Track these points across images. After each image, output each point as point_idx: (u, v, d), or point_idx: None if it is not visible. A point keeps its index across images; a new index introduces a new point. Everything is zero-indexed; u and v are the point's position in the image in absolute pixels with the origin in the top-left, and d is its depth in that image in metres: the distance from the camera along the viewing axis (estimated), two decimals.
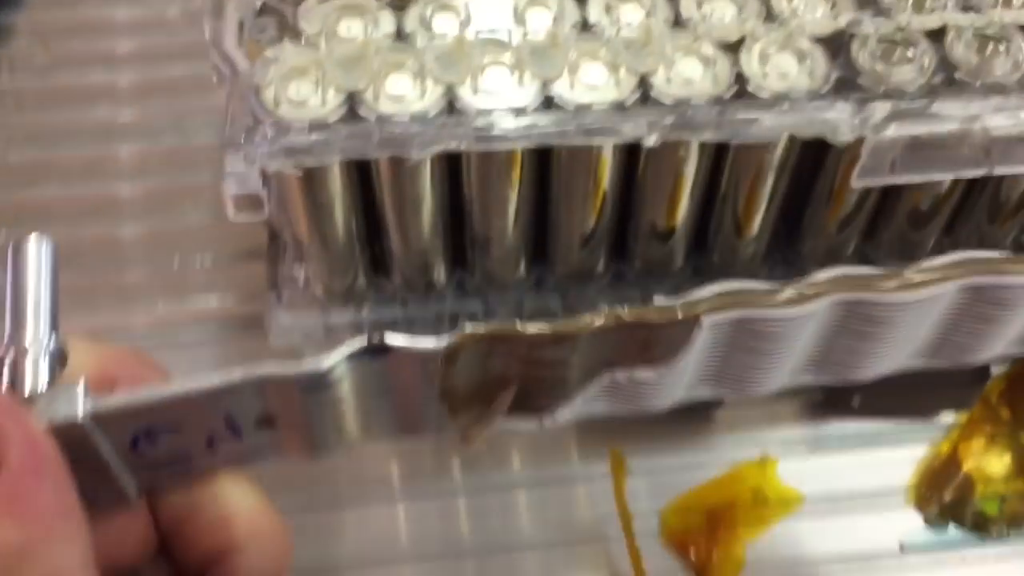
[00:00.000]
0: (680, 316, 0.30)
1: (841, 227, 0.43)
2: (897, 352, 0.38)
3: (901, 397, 0.48)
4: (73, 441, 0.23)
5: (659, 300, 0.31)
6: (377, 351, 0.26)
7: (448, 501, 0.46)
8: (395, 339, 0.26)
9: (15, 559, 0.20)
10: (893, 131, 0.35)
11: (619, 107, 0.36)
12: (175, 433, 0.25)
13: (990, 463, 0.48)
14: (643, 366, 0.31)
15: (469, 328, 0.27)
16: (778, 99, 0.36)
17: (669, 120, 0.35)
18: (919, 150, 0.36)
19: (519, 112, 0.35)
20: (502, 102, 0.36)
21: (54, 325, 0.26)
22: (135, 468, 0.25)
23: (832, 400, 0.49)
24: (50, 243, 0.26)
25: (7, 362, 0.25)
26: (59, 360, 0.25)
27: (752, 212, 0.42)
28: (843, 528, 0.46)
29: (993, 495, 0.47)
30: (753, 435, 0.48)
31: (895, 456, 0.48)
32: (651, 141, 0.35)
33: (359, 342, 0.26)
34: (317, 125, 0.35)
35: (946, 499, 0.47)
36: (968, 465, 0.48)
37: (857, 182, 0.37)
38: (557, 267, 0.46)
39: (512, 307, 0.46)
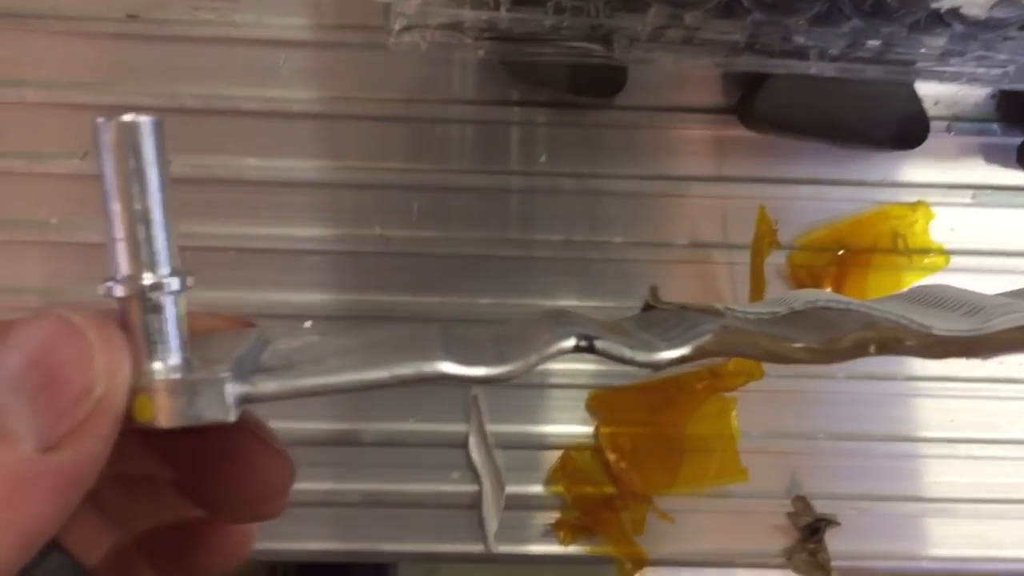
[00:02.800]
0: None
1: None
2: None
3: None
4: None
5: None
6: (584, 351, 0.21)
7: None
8: (608, 344, 0.21)
9: None
10: None
11: None
12: None
13: None
14: None
15: (702, 339, 0.21)
16: None
17: None
18: None
19: None
20: None
21: (171, 249, 0.19)
22: None
23: None
24: (155, 122, 0.18)
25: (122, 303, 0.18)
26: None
27: None
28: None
29: None
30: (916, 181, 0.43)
31: None
32: None
33: (567, 344, 0.20)
34: None
35: None
36: None
37: None
38: None
39: (684, 31, 0.36)
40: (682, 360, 0.21)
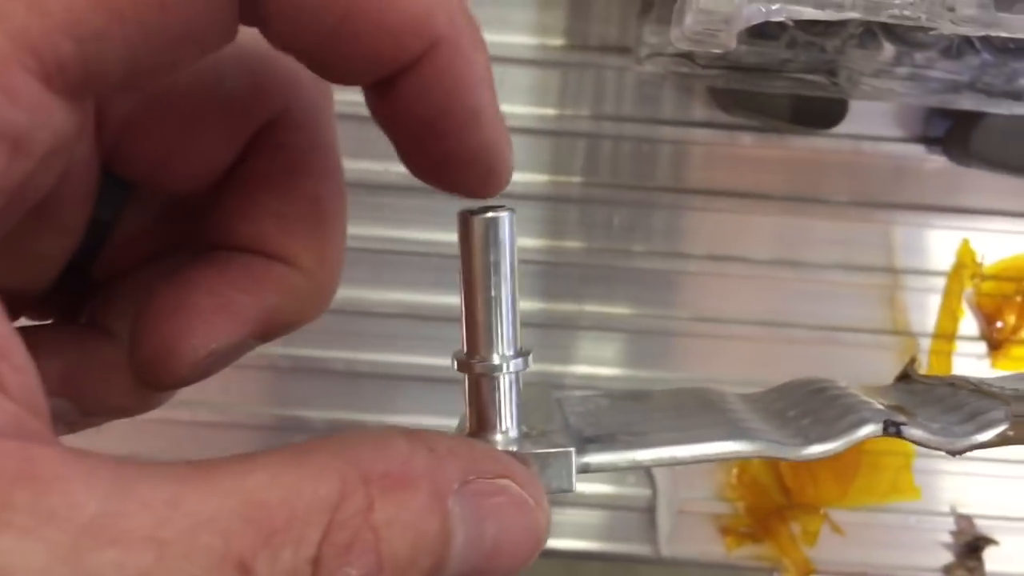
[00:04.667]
0: None
1: None
2: None
3: None
4: None
5: None
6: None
7: None
8: (914, 432, 0.22)
9: None
10: None
11: None
12: None
13: None
14: None
15: (1000, 429, 0.22)
16: None
17: None
18: None
19: None
20: None
21: (517, 331, 0.20)
22: None
23: None
24: (512, 216, 0.20)
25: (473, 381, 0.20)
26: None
27: None
28: None
29: None
30: None
31: None
32: None
33: (870, 429, 0.22)
34: None
35: None
36: None
37: None
38: None
39: (911, 69, 0.38)
40: (982, 446, 0.22)
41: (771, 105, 0.40)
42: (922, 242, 0.45)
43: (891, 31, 0.37)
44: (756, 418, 0.23)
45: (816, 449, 0.21)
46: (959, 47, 0.38)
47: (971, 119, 0.41)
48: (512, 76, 0.44)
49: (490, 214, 0.19)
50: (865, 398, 0.23)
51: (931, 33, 0.36)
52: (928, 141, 0.44)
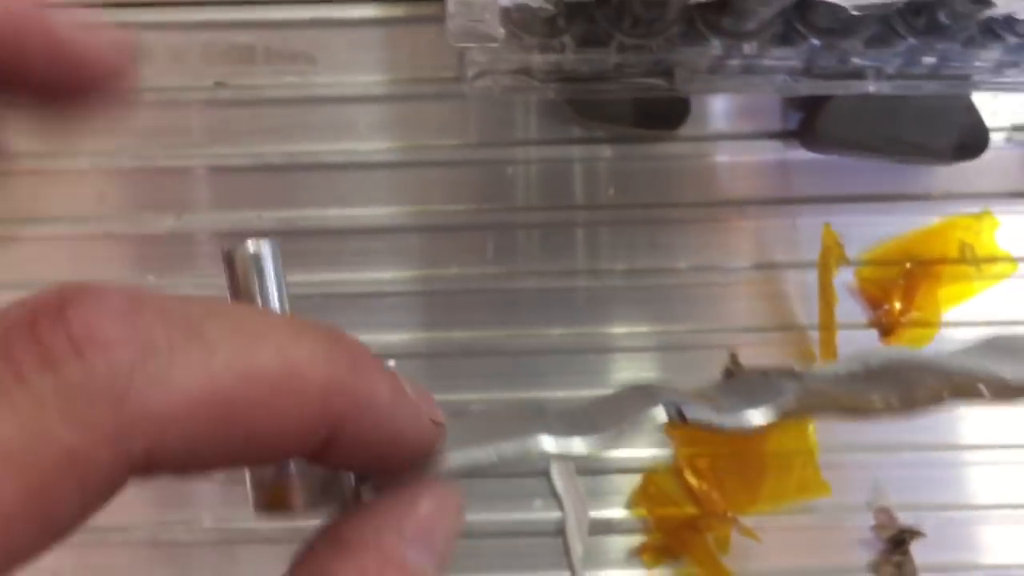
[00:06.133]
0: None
1: None
2: None
3: None
4: None
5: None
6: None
7: None
8: (697, 412, 0.22)
9: None
10: None
11: None
12: None
13: None
14: None
15: (784, 406, 0.23)
16: None
17: None
18: None
19: None
20: None
21: None
22: None
23: None
24: (272, 245, 0.21)
25: None
26: None
27: None
28: None
29: None
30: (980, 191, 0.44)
31: None
32: None
33: (657, 418, 0.22)
34: None
35: None
36: None
37: None
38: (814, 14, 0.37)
39: (743, 61, 0.38)
40: (769, 423, 0.22)
41: (616, 112, 0.40)
42: (794, 235, 0.45)
43: (712, 25, 0.38)
44: (556, 423, 0.23)
45: (586, 443, 0.22)
46: (785, 34, 0.38)
47: (819, 106, 0.41)
48: (368, 114, 0.45)
49: (251, 248, 0.20)
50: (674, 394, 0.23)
51: (750, 22, 0.37)
52: (785, 135, 0.45)
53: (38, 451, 0.13)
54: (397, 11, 0.44)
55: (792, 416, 0.23)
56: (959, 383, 0.23)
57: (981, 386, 0.22)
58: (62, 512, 0.14)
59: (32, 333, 0.14)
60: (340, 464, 0.19)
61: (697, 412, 0.22)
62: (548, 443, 0.21)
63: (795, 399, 0.22)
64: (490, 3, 0.27)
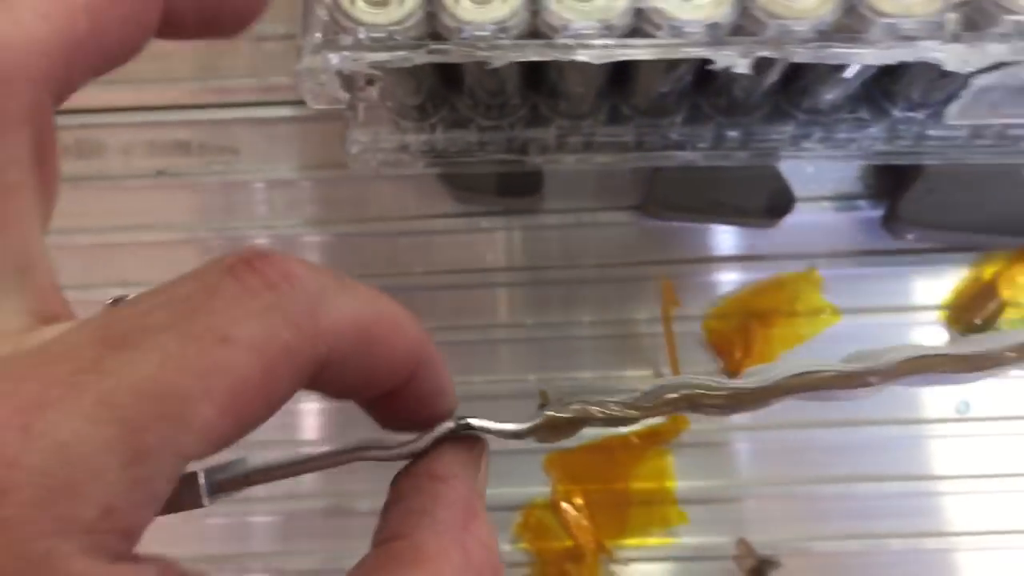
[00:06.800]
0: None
1: None
2: None
3: None
4: None
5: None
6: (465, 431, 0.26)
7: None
8: (482, 422, 0.26)
9: None
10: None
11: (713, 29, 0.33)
12: None
13: None
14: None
15: (552, 411, 0.27)
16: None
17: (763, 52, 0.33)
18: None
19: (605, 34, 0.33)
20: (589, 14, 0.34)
21: None
22: None
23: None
24: None
25: None
26: None
27: None
28: (876, 340, 0.51)
29: (1020, 322, 0.51)
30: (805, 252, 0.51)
31: (934, 280, 0.51)
32: (742, 67, 0.34)
33: (447, 426, 0.26)
34: (394, 35, 0.34)
35: (976, 322, 0.51)
36: (1005, 293, 0.50)
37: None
38: (633, 99, 0.45)
39: (583, 138, 0.46)
40: (529, 432, 0.26)
41: (481, 184, 0.48)
42: (646, 293, 0.52)
43: (554, 108, 0.46)
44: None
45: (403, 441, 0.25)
46: (612, 114, 0.46)
47: (654, 176, 0.49)
48: (284, 195, 0.53)
49: None
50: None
51: (581, 104, 0.45)
52: (633, 206, 0.52)
53: (269, 343, 0.18)
54: (307, 111, 0.53)
55: (553, 425, 0.27)
56: (693, 392, 0.26)
57: (712, 395, 0.26)
58: (278, 392, 0.18)
59: (251, 267, 0.18)
60: (400, 406, 0.23)
61: (480, 422, 0.26)
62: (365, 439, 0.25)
63: (548, 416, 0.27)
64: (327, 69, 0.35)
